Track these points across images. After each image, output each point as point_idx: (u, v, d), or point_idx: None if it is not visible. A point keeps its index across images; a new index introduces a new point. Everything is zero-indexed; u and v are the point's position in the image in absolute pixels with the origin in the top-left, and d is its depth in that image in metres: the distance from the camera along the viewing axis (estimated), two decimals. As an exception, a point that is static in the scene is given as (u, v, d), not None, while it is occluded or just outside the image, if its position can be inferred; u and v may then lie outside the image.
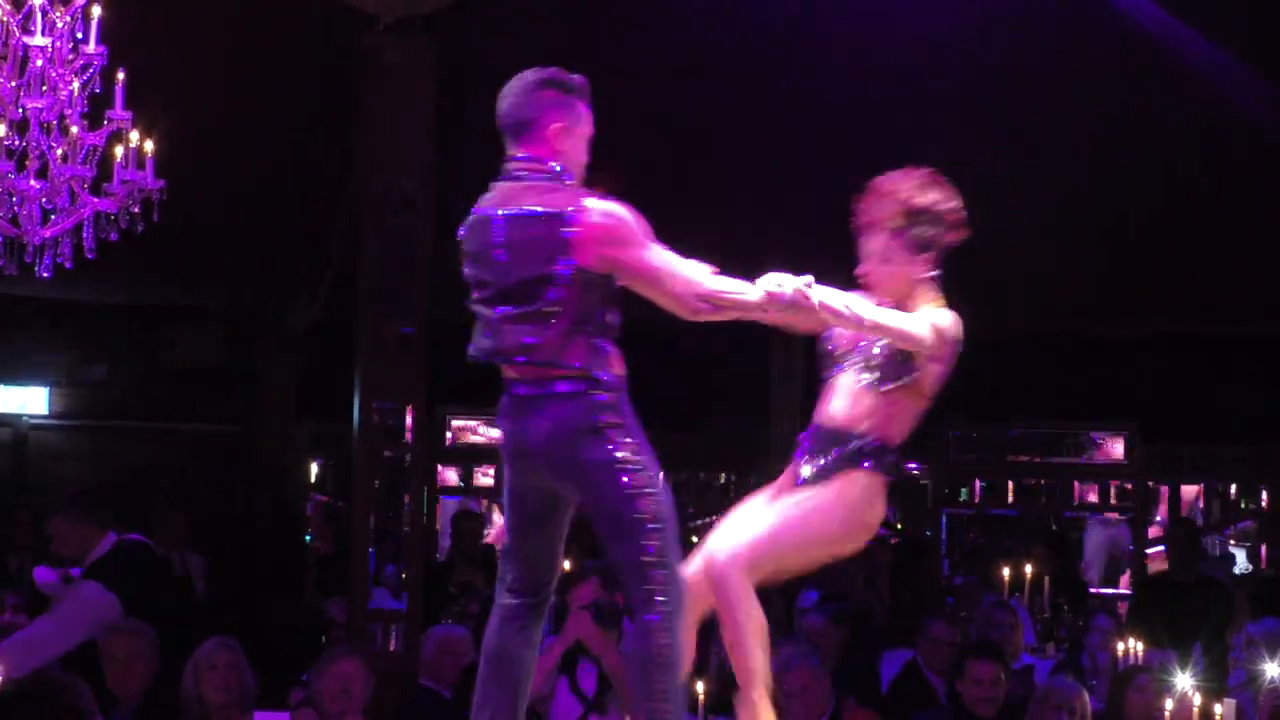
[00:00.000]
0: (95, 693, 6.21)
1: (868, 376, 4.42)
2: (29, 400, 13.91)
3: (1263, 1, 9.59)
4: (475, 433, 12.50)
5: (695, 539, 5.01)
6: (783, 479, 4.65)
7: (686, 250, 4.27)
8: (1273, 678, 7.46)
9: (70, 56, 7.58)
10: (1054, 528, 12.81)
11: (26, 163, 7.51)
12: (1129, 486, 12.30)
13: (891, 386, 4.39)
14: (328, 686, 6.59)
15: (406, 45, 8.92)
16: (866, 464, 4.46)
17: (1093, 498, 12.71)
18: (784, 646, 7.52)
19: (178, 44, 9.56)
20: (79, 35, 7.52)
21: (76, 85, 7.54)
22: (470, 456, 12.86)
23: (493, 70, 5.00)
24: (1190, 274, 11.26)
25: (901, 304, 4.42)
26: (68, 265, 7.55)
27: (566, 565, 5.58)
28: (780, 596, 10.01)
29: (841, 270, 4.49)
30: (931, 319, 4.42)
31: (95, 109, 7.53)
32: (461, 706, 6.42)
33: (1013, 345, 11.75)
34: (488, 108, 4.74)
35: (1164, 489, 12.60)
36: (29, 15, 7.26)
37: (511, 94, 4.47)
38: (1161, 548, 11.04)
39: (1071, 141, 10.68)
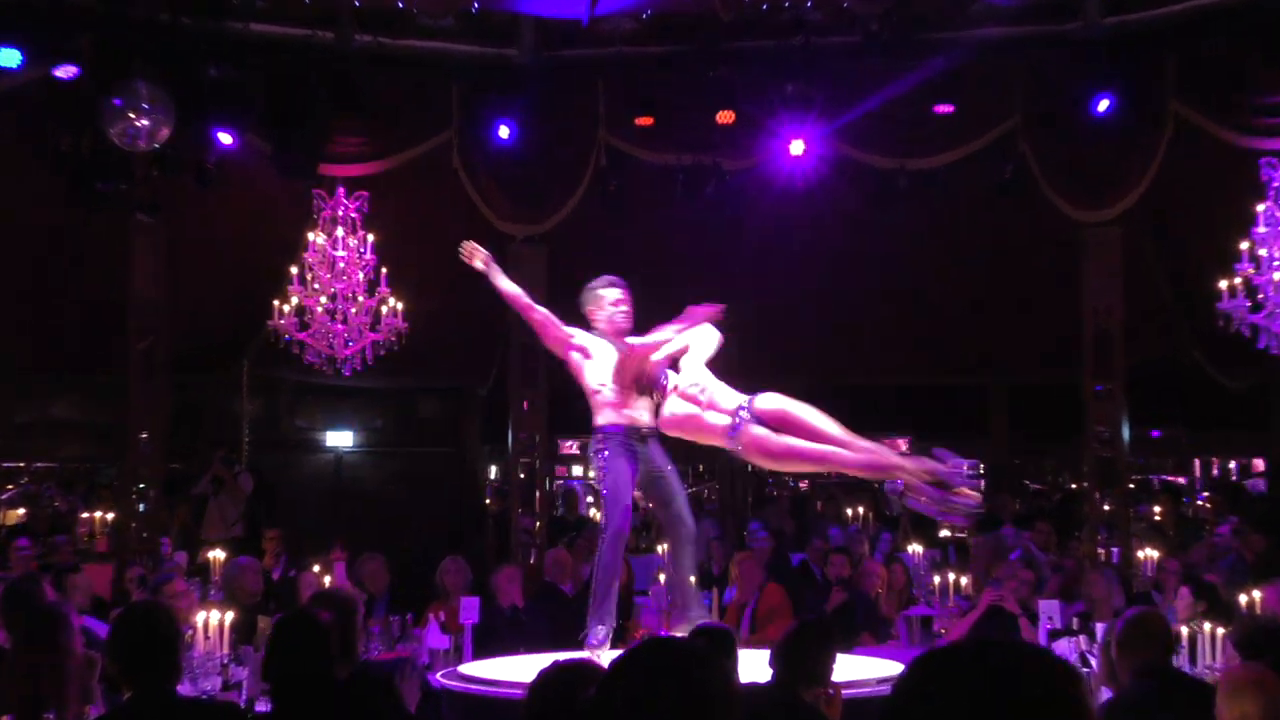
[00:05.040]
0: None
1: None
2: (343, 439, 16.49)
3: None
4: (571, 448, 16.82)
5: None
6: None
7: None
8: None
9: (358, 259, 10.85)
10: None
11: (335, 316, 10.67)
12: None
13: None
14: (498, 580, 9.25)
15: (532, 250, 11.76)
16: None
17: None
18: (738, 553, 9.94)
19: (414, 254, 11.46)
20: (362, 249, 10.82)
21: (361, 275, 10.83)
22: (566, 459, 16.86)
23: (575, 262, 8.48)
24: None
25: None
26: (358, 368, 10.78)
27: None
28: (734, 524, 12.83)
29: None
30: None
31: (370, 287, 10.70)
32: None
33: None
34: (570, 281, 7.79)
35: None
36: (336, 242, 10.72)
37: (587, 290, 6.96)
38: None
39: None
